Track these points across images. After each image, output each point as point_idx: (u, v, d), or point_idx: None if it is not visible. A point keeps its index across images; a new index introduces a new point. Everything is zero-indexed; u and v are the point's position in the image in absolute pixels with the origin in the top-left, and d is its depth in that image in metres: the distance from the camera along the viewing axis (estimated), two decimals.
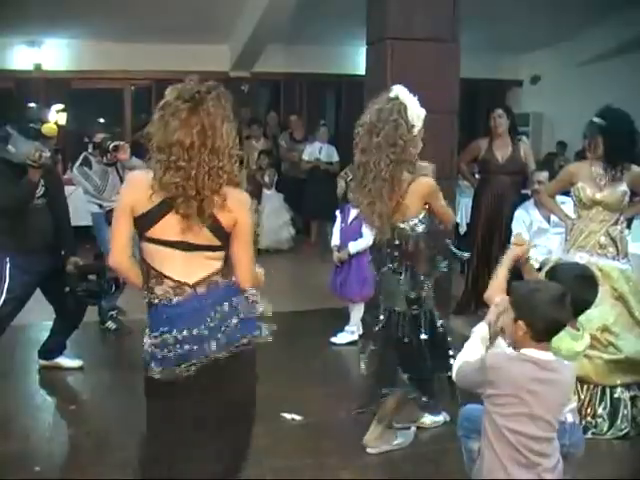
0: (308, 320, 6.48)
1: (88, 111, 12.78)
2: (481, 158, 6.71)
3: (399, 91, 3.68)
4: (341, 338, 5.85)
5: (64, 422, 4.34)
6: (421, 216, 3.74)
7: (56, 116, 4.77)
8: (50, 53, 10.83)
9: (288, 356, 5.47)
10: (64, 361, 5.19)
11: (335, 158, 10.21)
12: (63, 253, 4.95)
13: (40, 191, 4.69)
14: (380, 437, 3.95)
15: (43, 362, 5.18)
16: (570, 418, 2.98)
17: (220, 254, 2.63)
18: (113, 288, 5.15)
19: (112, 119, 13.02)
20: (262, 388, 4.66)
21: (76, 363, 5.20)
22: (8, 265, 4.62)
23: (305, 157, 10.36)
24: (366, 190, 3.69)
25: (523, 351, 2.57)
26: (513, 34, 10.85)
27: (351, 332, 5.87)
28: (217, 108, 2.52)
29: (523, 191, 6.69)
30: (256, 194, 10.07)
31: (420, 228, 3.74)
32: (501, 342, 2.73)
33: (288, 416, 4.36)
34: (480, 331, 2.83)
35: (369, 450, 3.92)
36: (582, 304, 3.08)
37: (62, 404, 4.59)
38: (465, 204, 8.35)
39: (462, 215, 8.37)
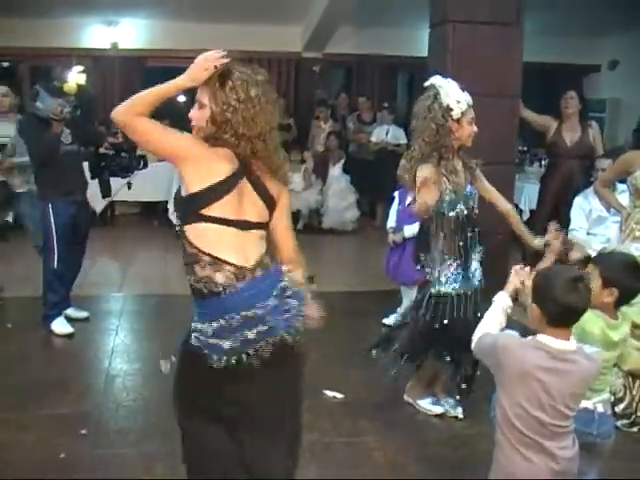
0: (363, 300, 6.53)
1: None
2: (549, 141, 6.62)
3: (433, 80, 3.87)
4: (393, 320, 5.85)
5: (113, 389, 4.49)
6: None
7: (77, 76, 5.34)
8: (126, 32, 11.08)
9: (338, 335, 5.52)
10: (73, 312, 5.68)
11: (403, 140, 10.15)
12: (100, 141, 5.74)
13: (68, 139, 5.24)
14: (411, 388, 4.28)
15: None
16: (600, 408, 2.93)
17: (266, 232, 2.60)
18: (141, 164, 5.85)
19: (186, 98, 13.27)
20: (310, 364, 4.75)
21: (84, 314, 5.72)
22: (51, 211, 5.26)
23: (373, 139, 10.37)
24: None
25: (538, 337, 2.52)
26: (590, 17, 10.55)
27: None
28: None
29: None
30: (322, 174, 10.14)
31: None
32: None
33: (330, 394, 4.43)
34: (501, 300, 2.81)
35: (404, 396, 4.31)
36: (627, 293, 3.01)
37: (113, 372, 4.76)
38: (528, 190, 8.22)
39: (525, 201, 8.24)
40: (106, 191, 5.88)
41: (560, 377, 2.47)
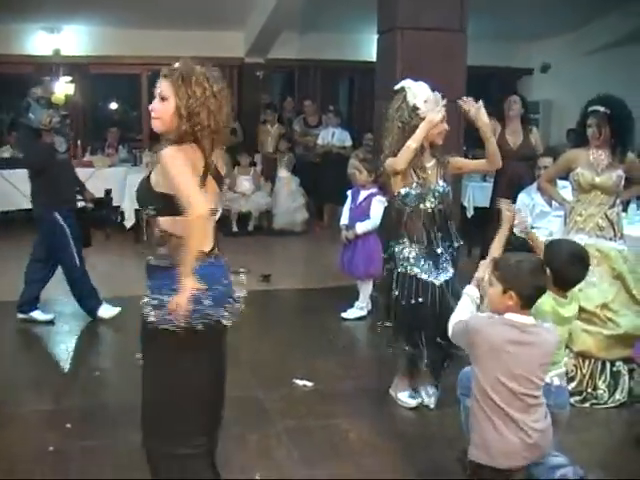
0: (320, 297, 6.75)
1: (106, 96, 13.08)
2: None
3: (403, 83, 4.15)
4: (351, 314, 6.08)
5: (91, 386, 4.60)
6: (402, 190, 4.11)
7: (65, 87, 5.52)
8: (69, 39, 11.06)
9: (301, 329, 5.78)
10: (39, 315, 5.81)
11: (348, 142, 10.42)
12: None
13: (63, 148, 5.53)
14: (395, 384, 4.39)
15: (21, 316, 5.76)
16: (557, 381, 3.22)
17: None
18: (119, 219, 6.49)
19: (129, 104, 13.34)
20: (277, 357, 5.03)
21: (49, 317, 5.86)
22: (59, 217, 5.52)
23: (319, 142, 10.59)
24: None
25: (505, 315, 2.81)
26: (525, 23, 10.97)
27: (360, 308, 6.11)
28: None
29: None
30: (270, 176, 10.37)
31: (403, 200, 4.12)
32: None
33: (300, 382, 4.63)
34: (470, 292, 3.13)
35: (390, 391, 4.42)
36: (573, 279, 3.31)
37: (88, 370, 4.87)
38: (473, 187, 8.51)
39: (470, 198, 8.50)
40: (87, 240, 6.05)
41: (527, 348, 2.77)
